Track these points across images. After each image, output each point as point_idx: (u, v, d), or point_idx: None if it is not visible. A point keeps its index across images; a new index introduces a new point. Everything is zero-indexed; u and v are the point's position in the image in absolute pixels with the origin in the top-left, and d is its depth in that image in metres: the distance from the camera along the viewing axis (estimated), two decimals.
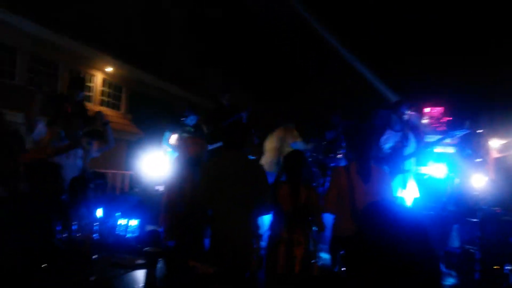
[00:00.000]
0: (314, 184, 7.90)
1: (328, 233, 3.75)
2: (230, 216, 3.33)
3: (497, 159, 10.36)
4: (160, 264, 3.03)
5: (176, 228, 3.89)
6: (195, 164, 3.96)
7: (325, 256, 4.19)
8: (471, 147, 4.76)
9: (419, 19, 12.50)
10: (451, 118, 8.35)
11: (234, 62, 15.21)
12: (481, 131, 4.91)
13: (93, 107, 12.41)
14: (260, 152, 6.66)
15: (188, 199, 3.85)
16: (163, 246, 4.00)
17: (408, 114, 5.16)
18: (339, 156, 7.51)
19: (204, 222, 3.57)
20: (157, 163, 7.42)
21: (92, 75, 13.90)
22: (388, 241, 1.47)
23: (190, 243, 3.66)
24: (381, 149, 5.13)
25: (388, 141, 5.14)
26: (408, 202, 4.89)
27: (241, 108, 7.17)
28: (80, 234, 3.14)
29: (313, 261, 3.29)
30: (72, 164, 4.98)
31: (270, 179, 3.79)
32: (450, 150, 6.72)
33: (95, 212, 4.25)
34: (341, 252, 3.28)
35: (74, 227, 3.32)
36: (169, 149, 6.55)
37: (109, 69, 14.10)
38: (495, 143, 9.83)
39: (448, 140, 5.03)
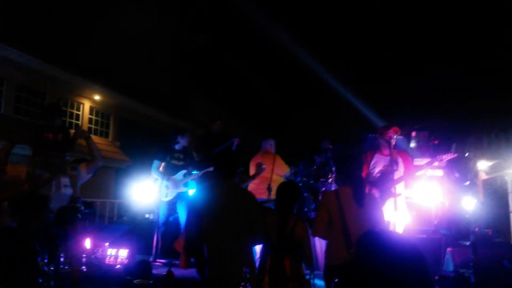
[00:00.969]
0: (305, 209, 7.89)
1: (322, 259, 3.68)
2: (223, 247, 3.27)
3: (485, 180, 10.49)
4: None
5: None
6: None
7: (320, 283, 4.12)
8: (459, 170, 4.79)
9: (403, 42, 12.81)
10: (437, 142, 8.46)
11: (223, 90, 15.34)
12: (467, 154, 4.96)
13: None
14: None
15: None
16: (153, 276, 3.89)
17: (396, 138, 5.19)
18: (329, 180, 7.54)
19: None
20: (146, 191, 7.34)
21: (80, 103, 13.86)
22: (384, 270, 1.45)
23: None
24: (370, 173, 5.14)
25: (376, 166, 5.15)
26: (399, 226, 4.87)
27: (231, 135, 7.14)
28: (67, 266, 3.05)
29: None
30: (60, 194, 4.86)
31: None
32: (439, 173, 6.78)
33: (83, 243, 4.15)
34: (335, 280, 3.23)
35: (61, 259, 3.23)
36: (158, 177, 6.45)
37: (97, 97, 14.10)
38: (482, 165, 9.96)
39: (436, 164, 5.05)
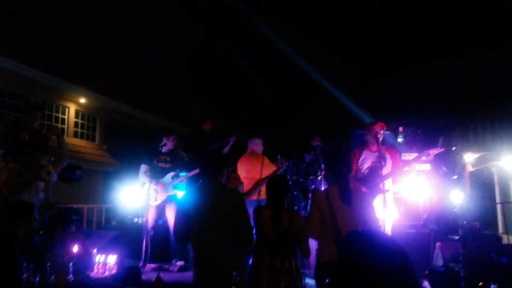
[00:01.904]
0: (295, 207, 7.89)
1: (313, 258, 3.67)
2: (211, 248, 3.24)
3: (472, 173, 10.62)
4: None
5: None
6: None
7: (311, 282, 4.12)
8: (446, 164, 4.82)
9: (389, 38, 12.87)
10: (424, 136, 8.52)
11: (211, 90, 15.28)
12: (454, 148, 4.99)
13: (66, 139, 12.15)
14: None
15: None
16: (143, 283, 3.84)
17: (383, 133, 5.20)
18: (319, 178, 7.54)
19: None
20: (134, 195, 7.26)
21: (65, 107, 13.68)
22: (367, 269, 1.44)
23: None
24: (359, 170, 5.15)
25: (365, 162, 5.17)
26: (388, 222, 4.89)
27: (224, 135, 7.08)
28: (53, 276, 2.99)
29: None
30: (36, 199, 4.72)
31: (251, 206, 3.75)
32: (426, 167, 6.83)
33: (71, 250, 4.08)
34: (327, 280, 3.22)
35: (47, 269, 3.16)
36: (146, 181, 6.37)
37: (82, 100, 13.92)
38: (469, 157, 10.08)
39: (423, 158, 5.08)
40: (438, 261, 5.12)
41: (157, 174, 6.33)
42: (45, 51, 11.92)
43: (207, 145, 7.13)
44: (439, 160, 5.20)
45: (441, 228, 5.83)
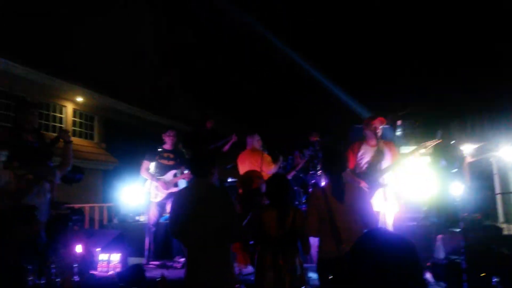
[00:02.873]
0: (296, 202, 7.91)
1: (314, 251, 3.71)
2: (201, 247, 3.31)
3: (470, 163, 10.65)
4: None
5: None
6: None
7: (314, 275, 4.15)
8: (445, 158, 4.83)
9: (387, 30, 12.86)
10: (422, 129, 8.54)
11: (209, 87, 15.24)
12: (454, 141, 5.01)
13: None
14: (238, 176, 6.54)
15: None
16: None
17: (382, 128, 5.21)
18: (319, 173, 7.56)
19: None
20: (135, 192, 7.28)
21: (62, 106, 13.65)
22: (380, 266, 1.46)
23: None
24: (358, 164, 5.16)
25: (364, 156, 5.17)
26: (389, 216, 4.91)
27: (226, 132, 7.08)
28: (59, 278, 3.00)
29: (302, 287, 3.22)
30: (44, 201, 4.73)
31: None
32: (426, 161, 6.86)
33: (74, 251, 4.10)
34: (330, 277, 3.24)
35: (52, 270, 3.18)
36: (147, 178, 6.38)
37: (80, 99, 13.88)
38: (467, 148, 10.12)
39: (422, 150, 5.09)
40: (440, 253, 5.16)
41: (159, 171, 6.33)
42: (40, 50, 11.86)
43: (208, 143, 7.13)
44: (439, 154, 5.22)
45: (442, 220, 5.86)
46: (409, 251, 1.51)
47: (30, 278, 2.85)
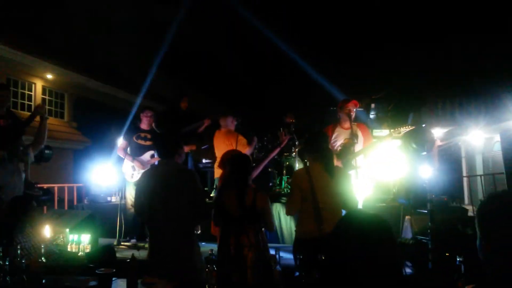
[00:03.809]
0: (270, 184, 7.95)
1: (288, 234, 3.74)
2: (165, 227, 3.34)
3: (440, 147, 10.95)
4: (114, 284, 2.91)
5: None
6: None
7: (287, 256, 4.21)
8: (416, 141, 4.94)
9: (361, 13, 12.85)
10: (394, 112, 8.68)
11: (185, 66, 14.97)
12: (424, 125, 5.11)
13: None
14: (213, 157, 6.51)
15: None
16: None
17: (355, 111, 5.27)
18: (293, 154, 7.61)
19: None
20: (107, 172, 7.14)
21: (32, 83, 13.17)
22: (359, 247, 1.49)
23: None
24: (332, 147, 5.22)
25: (338, 139, 5.23)
26: (359, 197, 5.01)
27: (200, 114, 6.98)
28: (25, 259, 2.93)
29: (276, 267, 3.24)
30: (18, 180, 4.62)
31: None
32: (397, 143, 6.99)
33: (42, 232, 4.01)
34: (300, 257, 3.28)
35: (18, 252, 3.09)
36: (122, 156, 6.27)
37: (49, 76, 13.41)
38: (437, 132, 10.38)
39: (394, 135, 5.18)
40: (407, 234, 5.31)
41: (135, 150, 6.22)
42: (6, 24, 11.34)
43: (181, 124, 7.03)
44: (409, 137, 5.33)
45: (410, 202, 6.02)
46: (387, 230, 1.56)
47: None
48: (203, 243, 4.51)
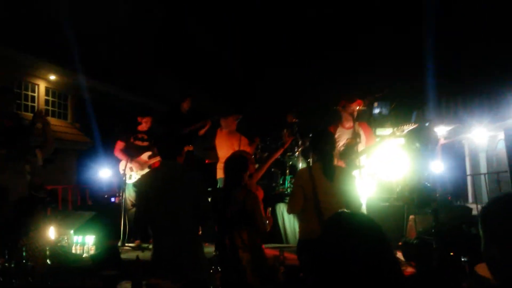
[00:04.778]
0: (273, 184, 7.95)
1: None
2: (168, 228, 3.31)
3: (443, 145, 10.91)
4: (119, 286, 2.92)
5: None
6: None
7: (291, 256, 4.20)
8: (419, 140, 4.91)
9: (363, 10, 12.81)
10: (398, 111, 8.64)
11: (187, 66, 14.96)
12: (428, 124, 5.08)
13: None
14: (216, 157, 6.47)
15: None
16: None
17: (358, 110, 5.24)
18: (296, 154, 7.60)
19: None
20: (111, 173, 7.17)
21: (35, 85, 13.21)
22: (350, 251, 1.48)
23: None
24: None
25: (340, 139, 5.21)
26: (363, 196, 4.99)
27: (203, 115, 6.97)
28: (30, 261, 2.94)
29: (279, 267, 3.23)
30: (22, 183, 4.63)
31: None
32: (400, 142, 6.97)
33: (47, 234, 4.02)
34: (303, 257, 3.28)
35: (23, 254, 3.11)
36: (120, 157, 6.28)
37: (52, 77, 13.45)
38: (441, 130, 10.34)
39: (398, 133, 5.15)
40: (412, 233, 5.29)
41: (133, 152, 6.24)
42: (10, 26, 11.37)
43: (182, 124, 7.04)
44: (413, 136, 5.30)
45: (414, 201, 6.00)
46: (376, 232, 1.53)
47: None
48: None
